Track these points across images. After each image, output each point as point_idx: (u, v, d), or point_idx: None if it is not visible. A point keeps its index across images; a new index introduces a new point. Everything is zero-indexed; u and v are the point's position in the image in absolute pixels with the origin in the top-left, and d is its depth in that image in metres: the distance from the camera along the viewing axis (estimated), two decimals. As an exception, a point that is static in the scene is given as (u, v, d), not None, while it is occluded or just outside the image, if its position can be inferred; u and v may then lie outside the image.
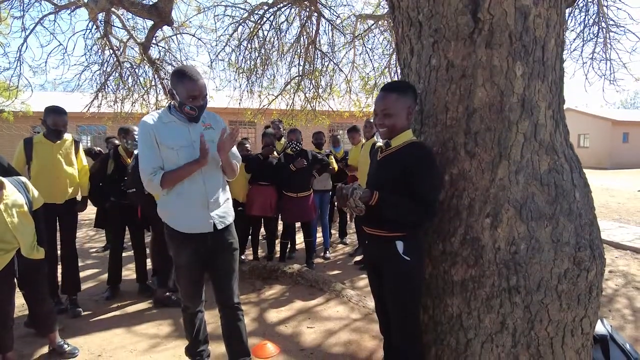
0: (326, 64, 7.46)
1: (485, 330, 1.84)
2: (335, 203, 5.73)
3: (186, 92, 2.00)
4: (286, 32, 7.25)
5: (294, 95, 7.61)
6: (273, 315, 3.39)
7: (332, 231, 6.35)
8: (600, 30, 5.92)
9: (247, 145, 4.78)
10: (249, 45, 7.19)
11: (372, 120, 4.66)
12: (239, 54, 7.30)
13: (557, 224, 1.82)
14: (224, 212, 2.21)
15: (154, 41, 7.19)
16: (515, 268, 1.79)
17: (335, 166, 5.20)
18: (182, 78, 2.01)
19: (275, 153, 4.75)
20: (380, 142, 2.00)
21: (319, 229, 5.43)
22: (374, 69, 7.62)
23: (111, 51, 6.98)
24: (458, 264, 1.88)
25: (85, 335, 3.05)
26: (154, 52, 7.48)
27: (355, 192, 1.72)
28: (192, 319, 2.33)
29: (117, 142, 4.22)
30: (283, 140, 5.18)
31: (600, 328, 2.20)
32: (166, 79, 7.43)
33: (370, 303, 3.52)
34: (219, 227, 2.15)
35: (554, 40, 1.92)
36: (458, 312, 1.89)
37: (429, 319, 2.01)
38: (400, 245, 1.77)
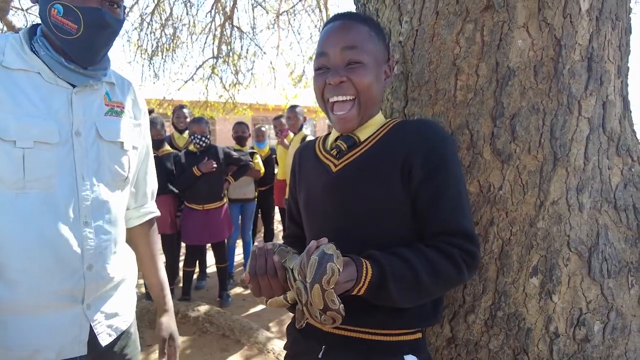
0: (247, 45, 6.44)
1: None
2: (260, 213, 4.73)
3: None
4: (198, 8, 6.21)
5: (208, 81, 6.42)
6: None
7: (257, 243, 5.31)
8: None
9: None
10: (152, 20, 6.22)
11: (297, 109, 3.74)
12: (141, 30, 6.38)
13: (649, 280, 1.02)
14: (116, 307, 1.01)
15: (18, 5, 5.59)
16: (589, 370, 0.96)
17: (261, 167, 4.19)
18: None
19: (168, 147, 3.57)
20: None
21: (239, 242, 4.39)
22: (301, 52, 6.71)
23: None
24: (484, 365, 1.00)
25: None
26: (19, 20, 5.86)
27: (323, 268, 0.66)
28: None
29: None
30: (186, 133, 4.00)
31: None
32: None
33: None
34: (105, 342, 0.98)
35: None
36: None
37: None
38: None
